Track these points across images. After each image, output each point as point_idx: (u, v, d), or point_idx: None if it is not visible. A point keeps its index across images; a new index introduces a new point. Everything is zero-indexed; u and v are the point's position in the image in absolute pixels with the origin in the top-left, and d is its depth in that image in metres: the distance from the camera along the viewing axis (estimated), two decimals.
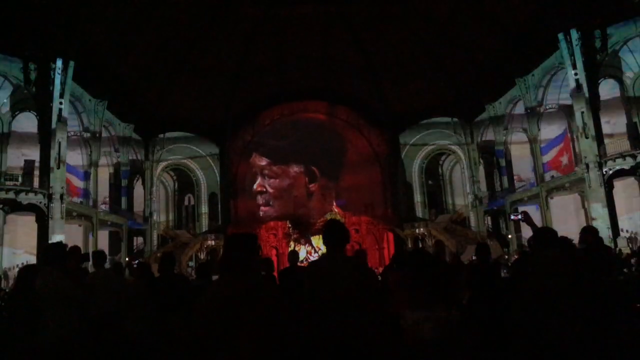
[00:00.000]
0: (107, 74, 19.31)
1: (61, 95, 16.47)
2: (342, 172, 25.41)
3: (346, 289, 3.04)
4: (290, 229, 23.78)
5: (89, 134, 19.45)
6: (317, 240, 23.82)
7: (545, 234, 4.28)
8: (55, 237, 14.91)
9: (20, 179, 16.13)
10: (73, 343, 3.91)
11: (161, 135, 23.92)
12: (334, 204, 24.35)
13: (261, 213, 24.82)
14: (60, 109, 16.40)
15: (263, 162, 25.36)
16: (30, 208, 15.72)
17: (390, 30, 21.69)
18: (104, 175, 20.96)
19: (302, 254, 21.01)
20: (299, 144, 25.06)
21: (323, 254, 3.48)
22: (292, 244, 22.92)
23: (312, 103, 25.93)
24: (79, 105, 18.80)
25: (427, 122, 24.90)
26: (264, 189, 25.16)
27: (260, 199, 25.11)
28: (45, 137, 16.22)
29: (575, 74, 15.93)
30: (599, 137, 15.45)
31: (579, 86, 15.79)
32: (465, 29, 19.92)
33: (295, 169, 25.28)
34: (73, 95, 17.64)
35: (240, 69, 23.07)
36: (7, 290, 10.75)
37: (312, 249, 23.39)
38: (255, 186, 25.23)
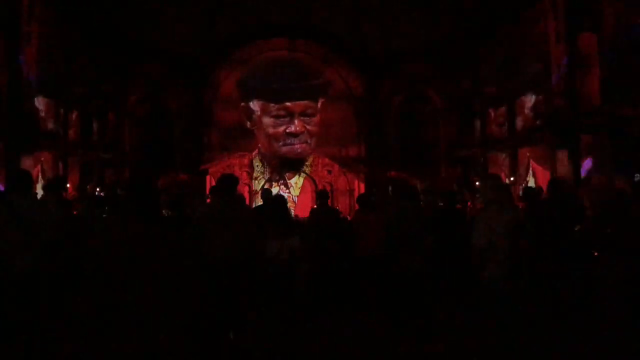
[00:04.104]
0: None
1: (29, 17, 15.70)
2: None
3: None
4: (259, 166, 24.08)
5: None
6: (297, 179, 24.25)
7: (401, 189, 6.20)
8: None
9: None
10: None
11: (136, 66, 23.26)
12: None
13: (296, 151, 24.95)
14: (29, 34, 15.69)
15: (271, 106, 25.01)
16: None
17: None
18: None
19: (274, 191, 21.37)
20: (284, 82, 24.71)
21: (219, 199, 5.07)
22: (261, 181, 23.32)
23: (297, 42, 25.40)
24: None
25: (407, 66, 24.72)
26: (297, 130, 24.75)
27: (292, 140, 24.93)
28: (12, 63, 15.59)
29: (556, 26, 15.93)
30: (574, 92, 15.70)
31: (558, 39, 15.86)
32: None
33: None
34: (40, 19, 16.86)
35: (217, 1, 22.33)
36: None
37: (285, 187, 23.78)
38: (280, 129, 24.87)
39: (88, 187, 19.18)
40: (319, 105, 25.04)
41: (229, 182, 4.71)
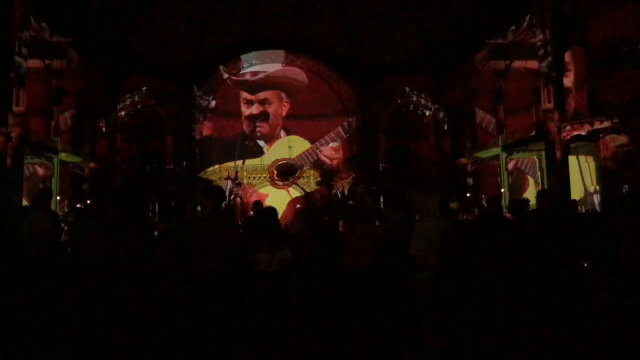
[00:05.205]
0: (71, 9, 18.50)
1: (21, 28, 15.72)
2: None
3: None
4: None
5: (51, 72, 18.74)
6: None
7: (394, 203, 6.31)
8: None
9: None
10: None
11: (128, 78, 23.26)
12: None
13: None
14: (19, 43, 15.69)
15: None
16: None
17: None
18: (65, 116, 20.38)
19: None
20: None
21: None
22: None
23: (290, 55, 25.81)
24: (40, 41, 17.99)
25: (397, 78, 24.89)
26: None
27: None
28: (3, 70, 15.57)
29: (544, 39, 16.12)
30: (561, 103, 15.90)
31: (546, 52, 16.03)
32: None
33: None
34: (33, 30, 16.88)
35: (209, 13, 22.43)
36: None
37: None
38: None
39: (74, 198, 19.07)
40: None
41: (214, 194, 4.71)
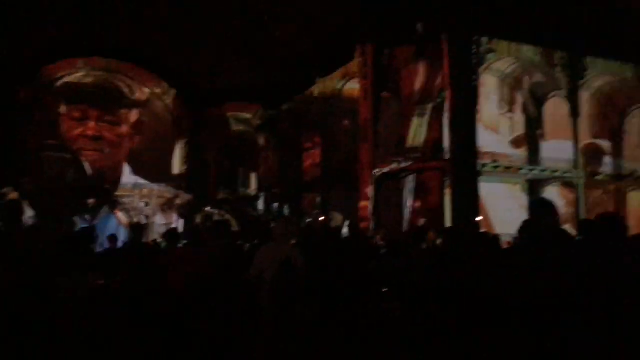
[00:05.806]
0: None
1: None
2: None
3: None
4: None
5: None
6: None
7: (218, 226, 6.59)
8: None
9: None
10: None
11: None
12: None
13: None
14: None
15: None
16: None
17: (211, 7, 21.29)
18: None
19: None
20: None
21: None
22: None
23: (120, 65, 24.47)
24: None
25: (233, 104, 25.33)
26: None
27: None
28: None
29: (364, 85, 18.07)
30: (376, 143, 17.85)
31: (366, 96, 17.96)
32: (281, 19, 20.65)
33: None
34: None
35: (32, 14, 20.48)
36: None
37: None
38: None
39: None
40: None
41: (9, 211, 4.48)
